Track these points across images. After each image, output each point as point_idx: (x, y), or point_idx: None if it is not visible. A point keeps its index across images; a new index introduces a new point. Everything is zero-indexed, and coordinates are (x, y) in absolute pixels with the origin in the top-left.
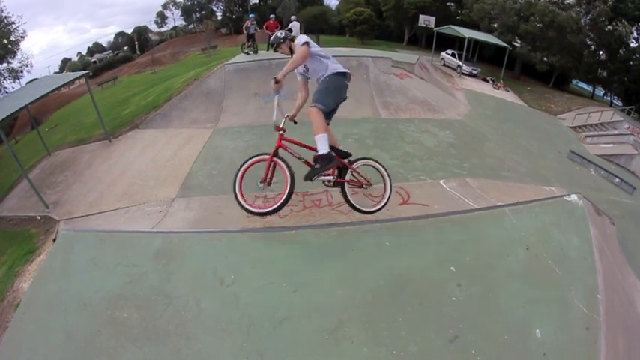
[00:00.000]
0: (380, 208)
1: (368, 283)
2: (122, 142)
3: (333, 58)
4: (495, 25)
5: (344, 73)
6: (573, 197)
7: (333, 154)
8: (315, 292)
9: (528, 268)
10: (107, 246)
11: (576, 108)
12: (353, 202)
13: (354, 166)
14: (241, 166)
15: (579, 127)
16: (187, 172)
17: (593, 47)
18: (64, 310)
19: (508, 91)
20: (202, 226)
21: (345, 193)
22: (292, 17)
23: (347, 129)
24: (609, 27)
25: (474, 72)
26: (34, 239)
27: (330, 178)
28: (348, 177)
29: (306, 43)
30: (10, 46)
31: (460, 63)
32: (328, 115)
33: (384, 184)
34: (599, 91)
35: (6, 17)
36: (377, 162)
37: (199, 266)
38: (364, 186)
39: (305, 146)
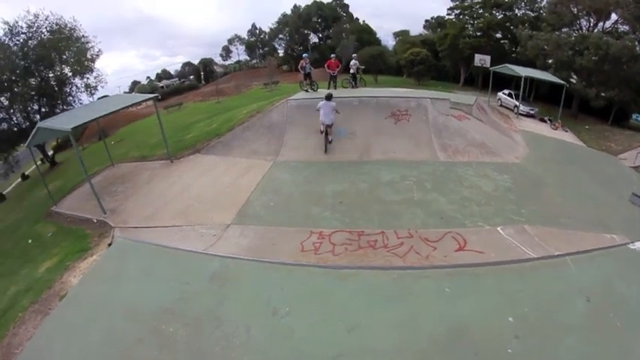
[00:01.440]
0: None
1: (424, 329)
2: (183, 163)
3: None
4: (550, 62)
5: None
6: (638, 245)
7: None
8: (371, 334)
9: (588, 321)
10: (162, 260)
11: (638, 145)
12: None
13: None
14: None
15: None
16: (245, 201)
17: None
18: (109, 312)
19: (567, 131)
20: (256, 254)
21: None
22: (353, 55)
23: (405, 171)
24: None
25: (532, 112)
26: (87, 239)
27: None
28: None
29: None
30: (86, 63)
31: (517, 103)
32: None
33: None
34: None
35: (83, 36)
36: None
37: (254, 294)
38: None
39: None
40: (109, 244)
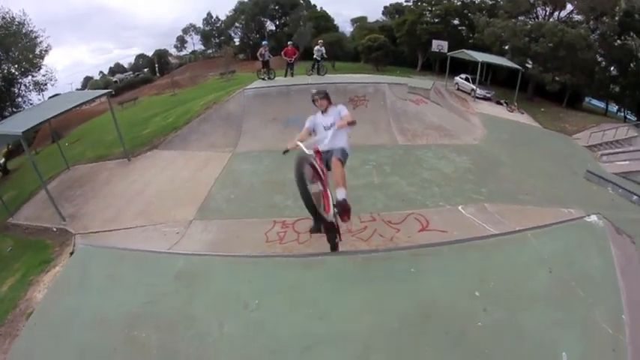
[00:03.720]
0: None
1: (394, 311)
2: (141, 161)
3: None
4: (507, 48)
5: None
6: (593, 218)
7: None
8: (341, 319)
9: (552, 291)
10: (126, 264)
11: (591, 126)
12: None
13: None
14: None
15: (595, 145)
16: (205, 195)
17: (603, 63)
18: (78, 325)
19: (522, 113)
20: (221, 249)
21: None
22: (319, 42)
23: (365, 155)
24: (618, 41)
25: (488, 95)
26: (49, 250)
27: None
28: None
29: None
30: (34, 60)
31: (474, 87)
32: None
33: None
34: (613, 108)
35: (31, 31)
36: None
37: (222, 290)
38: None
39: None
40: (71, 253)
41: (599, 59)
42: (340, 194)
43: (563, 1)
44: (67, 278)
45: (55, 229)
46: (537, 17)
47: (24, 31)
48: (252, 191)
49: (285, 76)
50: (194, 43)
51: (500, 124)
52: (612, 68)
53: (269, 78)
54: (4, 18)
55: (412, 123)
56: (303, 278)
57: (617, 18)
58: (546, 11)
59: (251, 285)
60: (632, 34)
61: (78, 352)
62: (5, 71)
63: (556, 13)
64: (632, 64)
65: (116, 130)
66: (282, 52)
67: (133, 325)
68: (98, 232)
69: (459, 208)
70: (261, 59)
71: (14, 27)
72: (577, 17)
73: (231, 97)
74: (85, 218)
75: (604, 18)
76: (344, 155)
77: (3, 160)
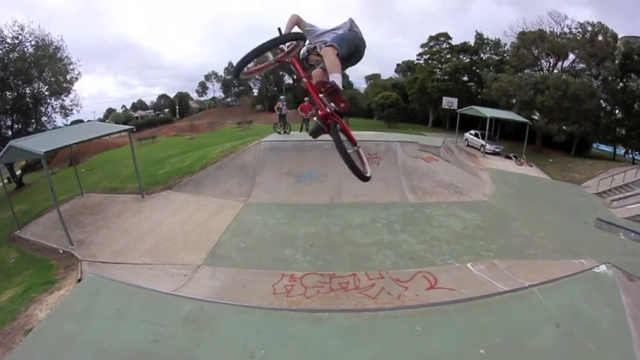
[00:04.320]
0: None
1: None
2: (154, 199)
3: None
4: (514, 102)
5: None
6: (602, 268)
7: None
8: None
9: (559, 345)
10: (135, 300)
11: (599, 173)
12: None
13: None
14: None
15: (604, 192)
16: (216, 242)
17: (608, 108)
18: (79, 351)
19: (531, 166)
20: (227, 296)
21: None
22: None
23: (375, 213)
24: (620, 84)
25: (497, 150)
26: (53, 270)
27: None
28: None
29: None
30: (65, 84)
31: (483, 142)
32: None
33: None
34: (620, 151)
35: (66, 57)
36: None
37: (230, 337)
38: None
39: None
40: (79, 280)
41: (604, 104)
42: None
43: (565, 51)
44: (72, 304)
45: (61, 251)
46: (542, 69)
47: (59, 55)
48: (262, 242)
49: (301, 130)
50: (214, 90)
51: (509, 179)
52: (617, 111)
53: (285, 132)
54: (43, 40)
55: (423, 181)
56: (311, 332)
57: (617, 62)
58: (550, 62)
59: (259, 335)
60: (632, 75)
61: None
62: (36, 90)
63: (559, 64)
64: (636, 105)
65: (133, 166)
66: (299, 108)
67: None
68: (106, 262)
69: (468, 265)
70: (277, 113)
71: (51, 50)
72: (580, 66)
73: (247, 148)
74: (93, 246)
75: (605, 63)
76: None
77: (19, 172)
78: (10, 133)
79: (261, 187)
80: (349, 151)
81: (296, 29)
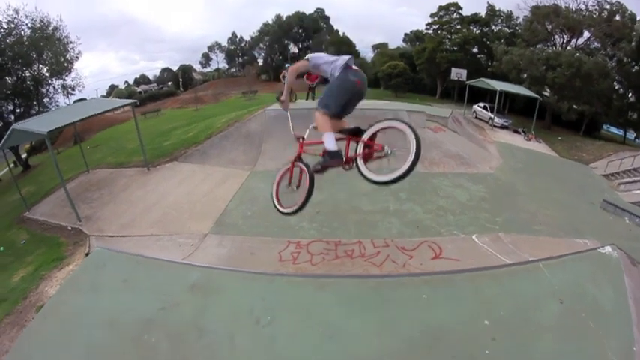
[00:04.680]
0: (400, 175)
1: (404, 335)
2: (160, 172)
3: (345, 57)
4: (524, 76)
5: (346, 72)
6: (607, 249)
7: (339, 150)
8: (351, 341)
9: (562, 321)
10: (141, 270)
11: (608, 155)
12: (367, 175)
13: (365, 137)
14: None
15: (612, 174)
16: (222, 210)
17: (621, 90)
18: (88, 324)
19: (540, 142)
20: (234, 264)
21: (358, 167)
22: None
23: None
24: (636, 67)
25: (506, 124)
26: (62, 247)
27: (346, 166)
28: (359, 151)
29: (306, 60)
30: (65, 64)
31: (492, 115)
32: (338, 115)
33: (409, 146)
34: (631, 135)
35: (65, 37)
36: (395, 120)
37: (236, 304)
38: (383, 153)
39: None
40: (87, 254)
41: (617, 86)
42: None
43: (580, 28)
44: (80, 278)
45: (70, 228)
46: (555, 45)
47: (58, 35)
48: (268, 210)
49: (307, 99)
50: (218, 61)
51: (517, 154)
52: (630, 95)
53: (291, 100)
54: (41, 21)
55: (430, 151)
56: (316, 298)
57: (633, 43)
58: (564, 39)
59: (264, 301)
60: None
61: (86, 350)
62: (36, 71)
63: (573, 41)
64: None
65: (138, 139)
66: (305, 76)
67: (143, 329)
68: (113, 236)
69: (473, 237)
70: (283, 81)
71: (50, 30)
72: (594, 45)
73: (252, 117)
74: (101, 221)
75: (621, 44)
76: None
77: (25, 155)
78: (12, 117)
79: (267, 155)
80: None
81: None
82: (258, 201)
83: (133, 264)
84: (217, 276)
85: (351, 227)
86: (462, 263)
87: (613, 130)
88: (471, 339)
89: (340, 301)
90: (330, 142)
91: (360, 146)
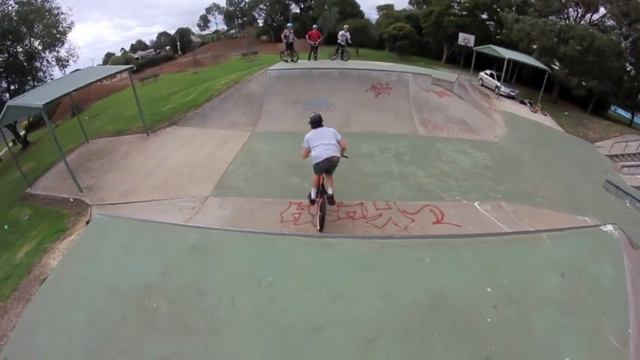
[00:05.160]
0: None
1: (406, 297)
2: (160, 136)
3: (321, 145)
4: (534, 47)
5: (317, 164)
6: (609, 227)
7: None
8: (354, 302)
9: (562, 295)
10: (141, 235)
11: (614, 136)
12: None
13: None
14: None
15: (617, 155)
16: (223, 172)
17: (633, 72)
18: (90, 292)
19: (545, 115)
20: (235, 225)
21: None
22: (344, 27)
23: (385, 144)
24: None
25: (512, 94)
26: (65, 219)
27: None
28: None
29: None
30: (58, 35)
31: (498, 84)
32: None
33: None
34: (639, 119)
35: (55, 8)
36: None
37: (237, 265)
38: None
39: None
40: (87, 222)
41: (629, 68)
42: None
43: (596, 3)
44: (81, 247)
45: (72, 200)
46: (568, 18)
47: (47, 7)
48: (269, 171)
49: (309, 59)
50: (217, 23)
51: (523, 124)
52: None
53: (292, 60)
54: None
55: (434, 115)
56: (318, 259)
57: None
58: (578, 12)
59: (265, 262)
60: None
61: (88, 318)
62: (28, 46)
63: (588, 16)
64: None
65: (136, 106)
66: (307, 36)
67: (144, 295)
68: (115, 204)
69: (475, 204)
70: (285, 41)
71: (38, 2)
72: (610, 22)
73: (253, 77)
74: (102, 190)
75: (637, 25)
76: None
77: (23, 132)
78: (7, 95)
79: (268, 116)
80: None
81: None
82: (259, 162)
83: (133, 229)
84: (217, 237)
85: (352, 189)
86: (463, 229)
87: (621, 111)
88: (472, 306)
89: (343, 261)
90: (313, 193)
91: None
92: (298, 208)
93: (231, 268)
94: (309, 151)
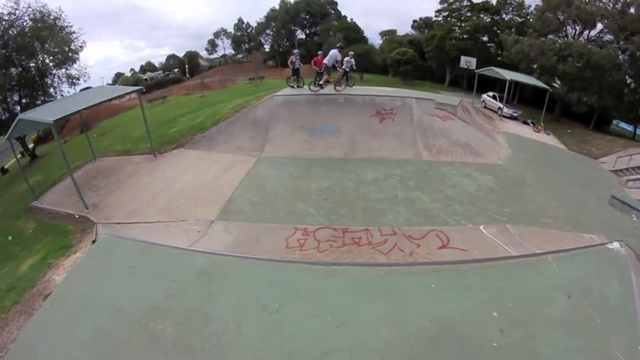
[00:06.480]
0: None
1: (412, 324)
2: (167, 158)
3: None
4: (535, 67)
5: None
6: (615, 245)
7: None
8: (359, 329)
9: (569, 316)
10: (148, 257)
11: (617, 150)
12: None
13: None
14: None
15: (621, 170)
16: (229, 197)
17: (633, 85)
18: (95, 311)
19: (549, 134)
20: (241, 250)
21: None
22: (350, 53)
23: (389, 169)
24: None
25: (515, 114)
26: (69, 235)
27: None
28: None
29: None
30: (70, 53)
31: (501, 105)
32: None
33: None
34: None
35: (67, 27)
36: None
37: (243, 291)
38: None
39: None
40: (94, 241)
41: (629, 81)
42: None
43: (593, 20)
44: (87, 265)
45: (77, 216)
46: (567, 36)
47: (60, 25)
48: (275, 197)
49: (314, 84)
50: (224, 47)
51: (526, 145)
52: None
53: (298, 86)
54: (40, 12)
55: (438, 139)
56: (324, 286)
57: None
58: (576, 30)
59: (272, 288)
60: None
61: (92, 337)
62: (40, 62)
63: (586, 32)
64: None
65: (144, 127)
66: (312, 62)
67: (149, 317)
68: (120, 223)
69: (481, 227)
70: (291, 67)
71: (50, 20)
72: (607, 37)
73: (259, 103)
74: (108, 208)
75: (635, 37)
76: None
77: (32, 145)
78: (18, 108)
79: (274, 141)
80: None
81: None
82: (265, 187)
83: (139, 251)
84: (224, 263)
85: (358, 214)
86: (469, 254)
87: (623, 125)
88: (479, 331)
89: (349, 288)
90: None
91: None
92: (304, 234)
93: (237, 293)
94: None
